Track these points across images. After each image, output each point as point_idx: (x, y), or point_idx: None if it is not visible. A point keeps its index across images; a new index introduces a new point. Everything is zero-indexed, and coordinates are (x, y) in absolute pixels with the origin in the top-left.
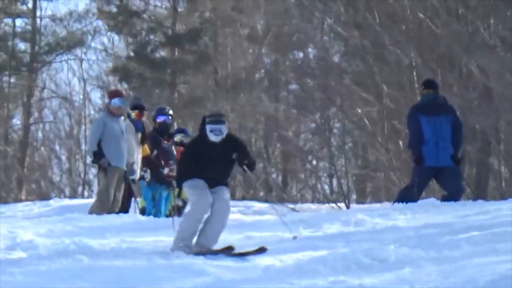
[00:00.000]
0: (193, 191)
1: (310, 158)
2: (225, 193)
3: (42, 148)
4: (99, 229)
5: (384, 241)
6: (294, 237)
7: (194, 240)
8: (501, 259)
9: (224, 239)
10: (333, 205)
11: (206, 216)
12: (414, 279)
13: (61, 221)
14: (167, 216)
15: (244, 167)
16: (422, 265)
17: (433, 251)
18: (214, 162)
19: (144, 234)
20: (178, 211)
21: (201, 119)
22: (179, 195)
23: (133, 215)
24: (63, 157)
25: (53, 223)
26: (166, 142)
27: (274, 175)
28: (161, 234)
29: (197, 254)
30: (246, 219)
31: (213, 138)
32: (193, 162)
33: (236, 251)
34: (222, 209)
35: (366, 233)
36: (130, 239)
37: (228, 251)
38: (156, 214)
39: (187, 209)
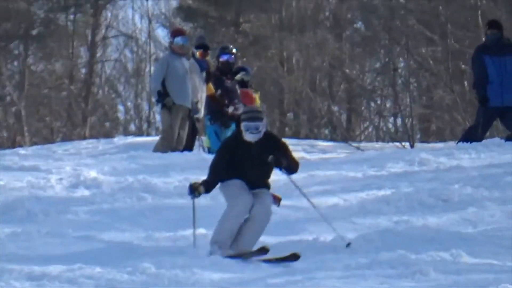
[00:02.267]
0: (231, 191)
1: (374, 97)
2: (266, 197)
3: (106, 87)
4: (163, 167)
5: (447, 181)
6: (348, 245)
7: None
8: None
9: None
10: (397, 144)
11: (244, 217)
12: (478, 219)
13: (125, 159)
14: None
15: (283, 169)
16: (486, 205)
17: (497, 191)
18: (251, 164)
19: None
20: None
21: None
22: (198, 191)
23: (197, 153)
24: (128, 96)
25: (117, 161)
26: (229, 81)
27: (338, 114)
28: None
29: (233, 257)
30: (310, 158)
31: (249, 137)
32: (228, 164)
33: (269, 256)
34: (262, 215)
35: (430, 172)
36: (194, 178)
37: (262, 252)
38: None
39: (225, 210)
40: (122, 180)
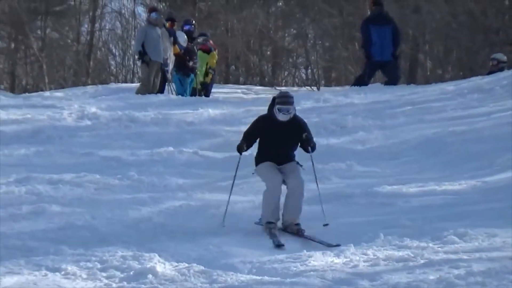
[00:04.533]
0: (265, 175)
1: (291, 54)
2: (295, 169)
3: (103, 48)
4: (143, 105)
5: (344, 113)
6: (325, 225)
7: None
8: (426, 126)
9: (231, 111)
10: (308, 88)
11: (281, 191)
12: (365, 140)
13: (116, 99)
14: (191, 95)
15: (309, 148)
16: (371, 130)
17: (379, 120)
18: (281, 140)
19: (175, 108)
20: (199, 93)
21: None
22: (242, 149)
23: (167, 95)
24: (119, 54)
25: (111, 100)
26: (190, 44)
27: (266, 67)
28: (186, 108)
29: (281, 231)
30: (247, 97)
31: (281, 117)
32: (261, 139)
33: (310, 237)
34: (297, 185)
35: (331, 107)
36: (165, 112)
37: (300, 232)
38: (183, 95)
39: (264, 191)
40: (114, 114)
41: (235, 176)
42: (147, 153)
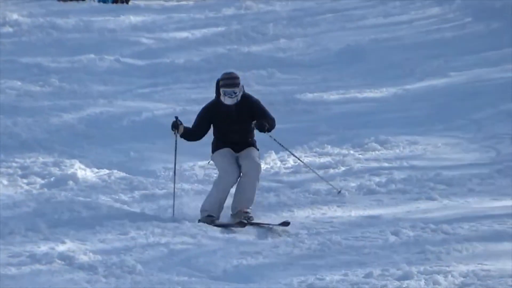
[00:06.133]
0: (220, 162)
1: None
2: (252, 153)
3: None
4: (65, 12)
5: (266, 20)
6: (339, 191)
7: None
8: (348, 34)
9: (152, 18)
10: None
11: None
12: (287, 47)
13: (38, 6)
14: (112, 2)
15: (266, 132)
16: (293, 38)
17: (300, 28)
18: (233, 125)
19: (97, 15)
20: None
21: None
22: (177, 130)
23: (89, 3)
24: None
25: (32, 7)
26: None
27: None
28: (108, 15)
29: (219, 226)
30: (168, 5)
31: (227, 101)
32: (214, 127)
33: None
34: (251, 171)
35: (253, 14)
36: (86, 19)
37: (241, 223)
38: (105, 1)
39: (215, 180)
40: (35, 21)
41: (175, 162)
42: (69, 60)
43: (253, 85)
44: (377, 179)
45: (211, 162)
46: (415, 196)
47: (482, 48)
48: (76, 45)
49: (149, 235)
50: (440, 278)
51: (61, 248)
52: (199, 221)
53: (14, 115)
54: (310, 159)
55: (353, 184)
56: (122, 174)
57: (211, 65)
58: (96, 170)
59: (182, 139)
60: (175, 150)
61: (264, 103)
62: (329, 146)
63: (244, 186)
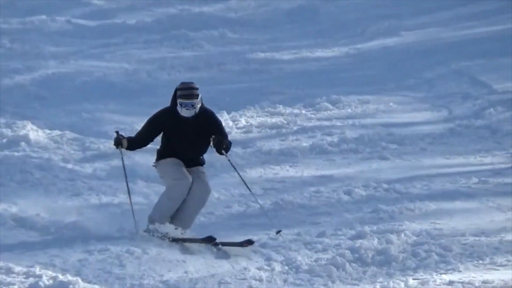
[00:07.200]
0: (169, 171)
1: None
2: (203, 175)
3: None
4: None
5: None
6: (278, 232)
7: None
8: None
9: None
10: None
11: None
12: (238, 7)
13: None
14: None
15: (215, 149)
16: None
17: None
18: (186, 140)
19: None
20: None
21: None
22: (121, 146)
23: None
24: None
25: None
26: None
27: None
28: None
29: (173, 241)
30: None
31: (184, 113)
32: (164, 135)
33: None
34: (201, 193)
35: None
36: None
37: (209, 241)
38: None
39: (164, 190)
40: None
41: (125, 173)
42: (20, 21)
43: (205, 45)
44: (329, 138)
45: (155, 165)
46: (367, 155)
47: (435, 8)
48: (28, 6)
49: (102, 195)
50: (393, 237)
51: (13, 209)
52: (145, 231)
53: None
54: (262, 119)
55: (305, 144)
56: (74, 135)
57: (163, 26)
58: (48, 131)
59: (128, 151)
60: (124, 168)
61: (215, 63)
62: (281, 106)
63: (190, 210)
